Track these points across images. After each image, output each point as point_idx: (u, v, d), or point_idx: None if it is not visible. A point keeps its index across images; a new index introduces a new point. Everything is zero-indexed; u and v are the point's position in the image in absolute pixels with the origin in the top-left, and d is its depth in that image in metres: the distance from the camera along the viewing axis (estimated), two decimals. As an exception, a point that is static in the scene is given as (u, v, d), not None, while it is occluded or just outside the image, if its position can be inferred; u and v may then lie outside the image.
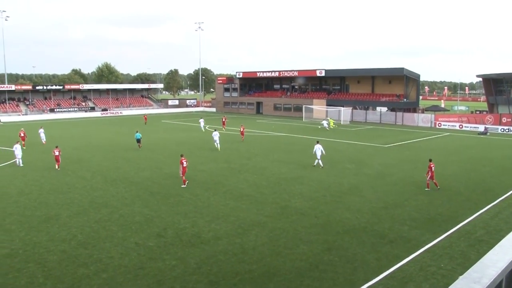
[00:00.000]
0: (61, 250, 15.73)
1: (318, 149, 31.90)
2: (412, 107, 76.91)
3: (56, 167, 30.83)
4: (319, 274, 13.85)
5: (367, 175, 29.13)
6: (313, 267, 14.31)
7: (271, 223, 18.83)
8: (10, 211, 20.58)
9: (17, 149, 32.68)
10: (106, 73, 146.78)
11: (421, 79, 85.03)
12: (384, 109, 76.00)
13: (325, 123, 60.04)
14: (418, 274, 13.83)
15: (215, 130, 41.87)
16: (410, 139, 50.16)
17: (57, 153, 31.04)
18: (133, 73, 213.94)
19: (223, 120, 59.95)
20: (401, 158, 36.31)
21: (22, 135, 42.83)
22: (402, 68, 72.76)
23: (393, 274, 13.81)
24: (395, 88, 76.75)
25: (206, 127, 57.50)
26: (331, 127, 61.25)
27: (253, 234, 17.44)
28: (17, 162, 32.51)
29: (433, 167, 24.92)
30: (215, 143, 39.99)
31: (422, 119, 68.75)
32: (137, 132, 42.57)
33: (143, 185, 25.89)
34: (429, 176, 24.98)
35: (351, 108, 76.06)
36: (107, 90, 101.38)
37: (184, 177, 25.68)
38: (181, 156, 26.47)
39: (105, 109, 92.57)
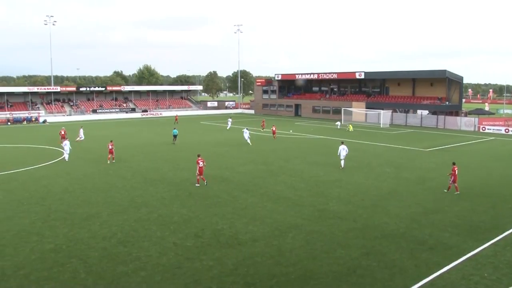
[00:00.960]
0: (102, 247, 16.15)
1: (343, 149, 32.39)
2: (455, 110, 74.93)
3: (108, 160, 33.72)
4: (357, 279, 13.68)
5: (406, 179, 28.58)
6: (351, 272, 14.15)
7: (308, 226, 18.74)
8: (55, 208, 21.30)
9: (66, 145, 35.67)
10: (146, 75, 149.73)
11: (464, 81, 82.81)
12: (425, 112, 74.41)
13: (338, 124, 63.98)
14: (459, 282, 13.44)
15: (245, 128, 48.76)
16: (452, 143, 48.88)
17: (110, 147, 34.01)
18: (173, 75, 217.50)
19: (263, 122, 63.60)
20: (442, 162, 35.41)
21: (63, 133, 45.19)
22: (445, 70, 71.01)
23: (433, 282, 13.48)
24: (437, 90, 75.05)
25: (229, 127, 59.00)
26: (350, 130, 60.63)
27: (290, 237, 17.41)
28: (65, 158, 35.28)
29: (456, 171, 24.93)
30: (247, 140, 45.55)
31: (465, 123, 66.93)
32: (174, 128, 48.94)
33: (181, 185, 26.25)
34: (451, 180, 24.98)
35: (390, 111, 74.88)
36: (147, 92, 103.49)
37: (199, 177, 26.22)
38: (198, 156, 27.00)
39: (145, 110, 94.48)
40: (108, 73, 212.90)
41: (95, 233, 17.68)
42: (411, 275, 13.92)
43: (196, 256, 15.33)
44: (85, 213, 20.52)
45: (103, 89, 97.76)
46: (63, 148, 36.32)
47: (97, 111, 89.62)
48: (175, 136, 46.74)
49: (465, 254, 15.62)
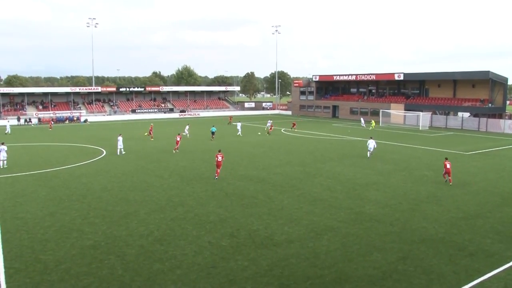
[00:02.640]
0: (139, 245, 16.47)
1: (371, 142, 37.88)
2: (498, 113, 72.55)
3: (174, 151, 37.41)
4: (392, 283, 13.45)
5: (446, 183, 27.88)
6: (387, 276, 13.93)
7: (345, 229, 18.56)
8: (94, 206, 21.87)
9: (120, 141, 38.80)
10: (185, 76, 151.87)
11: (510, 82, 80.00)
12: (467, 114, 72.43)
13: (362, 121, 63.92)
14: (500, 290, 13.04)
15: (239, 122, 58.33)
16: (494, 146, 47.37)
17: (178, 139, 37.83)
18: (211, 75, 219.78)
19: (294, 123, 65.46)
20: (484, 166, 34.40)
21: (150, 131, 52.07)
22: (488, 71, 68.94)
23: (473, 289, 13.12)
24: (479, 92, 72.87)
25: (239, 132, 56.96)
26: (372, 128, 59.63)
27: (325, 239, 17.29)
28: (118, 152, 38.51)
29: (447, 165, 27.95)
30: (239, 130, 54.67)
31: (509, 126, 64.70)
32: (213, 126, 54.04)
33: (218, 185, 26.46)
34: (444, 172, 28.22)
35: (430, 113, 73.27)
36: (185, 92, 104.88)
37: (218, 170, 28.48)
38: (218, 151, 29.59)
39: (183, 111, 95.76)
40: (147, 73, 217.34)
41: (133, 231, 18.04)
42: (449, 281, 13.58)
43: (231, 256, 15.43)
44: (123, 211, 20.98)
45: (142, 89, 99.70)
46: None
47: (136, 111, 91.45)
48: (213, 133, 51.16)
49: (508, 262, 15.10)
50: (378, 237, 17.61)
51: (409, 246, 16.63)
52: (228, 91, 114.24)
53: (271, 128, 59.19)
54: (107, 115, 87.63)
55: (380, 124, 71.49)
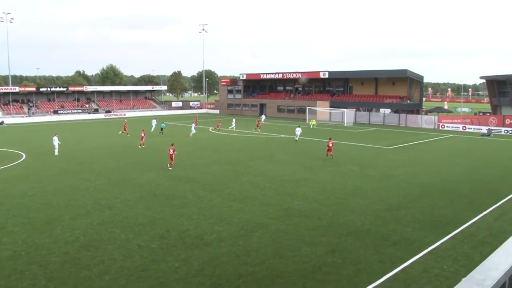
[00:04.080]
0: (64, 252, 15.74)
1: (298, 130, 48.12)
2: (416, 109, 76.83)
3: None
4: (322, 276, 13.81)
5: (371, 176, 29.06)
6: (316, 269, 14.27)
7: (275, 225, 18.80)
8: (14, 213, 20.59)
9: (55, 141, 38.32)
10: (111, 75, 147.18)
11: (425, 80, 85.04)
12: (388, 110, 75.88)
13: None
14: (421, 276, 13.76)
15: (153, 119, 59.56)
16: (413, 140, 50.04)
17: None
18: (137, 75, 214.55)
19: (258, 121, 64.43)
20: (405, 159, 36.22)
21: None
22: (406, 70, 72.69)
23: (396, 276, 13.75)
24: (399, 89, 76.71)
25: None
26: (312, 126, 61.44)
27: (256, 236, 17.42)
28: (56, 152, 37.91)
29: (330, 144, 35.89)
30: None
31: (425, 121, 68.63)
32: (162, 122, 57.85)
33: (147, 187, 25.90)
34: (327, 150, 35.92)
35: (354, 109, 76.03)
36: (111, 92, 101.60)
37: (170, 161, 31.18)
38: (171, 145, 32.40)
39: (108, 111, 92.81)
40: (70, 73, 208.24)
41: (57, 238, 17.20)
42: (375, 270, 14.15)
43: (162, 258, 15.14)
44: (46, 217, 19.95)
45: (65, 89, 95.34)
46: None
47: (58, 112, 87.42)
48: (161, 129, 55.35)
49: (426, 248, 16.02)
50: (307, 231, 17.99)
51: (337, 239, 17.14)
52: (155, 90, 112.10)
53: (218, 125, 60.91)
54: (26, 116, 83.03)
55: (307, 121, 73.14)
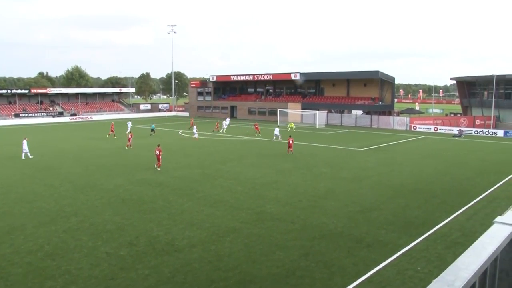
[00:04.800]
0: (27, 262, 15.33)
1: (277, 130, 51.44)
2: (388, 110, 78.11)
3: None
4: (296, 280, 13.87)
5: (343, 178, 29.38)
6: (290, 274, 14.32)
7: (247, 229, 18.79)
8: (-27, 222, 19.99)
9: (24, 144, 37.98)
10: (76, 77, 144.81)
11: (396, 82, 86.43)
12: (360, 112, 76.90)
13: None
14: (395, 278, 13.97)
15: (129, 121, 62.04)
16: (385, 142, 50.85)
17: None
18: (104, 76, 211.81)
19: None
20: (377, 161, 36.76)
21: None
22: (377, 71, 73.77)
23: (370, 279, 13.92)
24: (370, 91, 77.77)
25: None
26: (289, 129, 61.91)
27: (228, 241, 17.37)
28: (23, 156, 37.70)
29: (290, 141, 39.91)
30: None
31: (397, 122, 69.85)
32: (152, 124, 62.40)
33: (115, 192, 25.53)
34: (288, 147, 39.52)
35: (326, 111, 76.73)
36: (76, 94, 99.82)
37: (157, 162, 32.47)
38: (158, 146, 33.73)
39: (74, 114, 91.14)
40: (32, 74, 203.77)
41: (19, 248, 16.74)
42: (349, 273, 14.29)
43: (131, 266, 14.94)
44: (7, 226, 19.40)
45: (27, 91, 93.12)
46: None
47: (20, 115, 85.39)
48: (152, 130, 58.24)
49: (400, 250, 16.26)
50: (280, 235, 18.05)
51: (310, 242, 17.25)
52: (122, 92, 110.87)
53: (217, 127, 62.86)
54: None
55: (278, 124, 73.49)
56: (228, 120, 67.22)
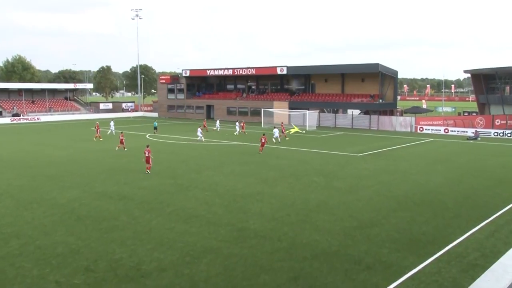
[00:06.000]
0: (-38, 292, 15.03)
1: (276, 131, 52.65)
2: (389, 109, 78.66)
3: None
4: (284, 309, 13.79)
5: (338, 189, 29.44)
6: (277, 301, 14.24)
7: (226, 249, 18.68)
8: None
9: None
10: (19, 69, 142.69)
11: (399, 76, 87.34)
12: (357, 112, 77.41)
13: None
14: (400, 304, 13.97)
15: (111, 121, 65.49)
16: (387, 146, 51.20)
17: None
18: (54, 69, 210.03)
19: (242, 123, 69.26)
20: (377, 168, 36.93)
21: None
22: (377, 64, 74.24)
23: (371, 306, 13.90)
24: (369, 87, 78.25)
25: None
26: (293, 132, 61.99)
27: (204, 263, 17.24)
28: None
29: (263, 139, 44.97)
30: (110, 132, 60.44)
31: (400, 123, 70.41)
32: (155, 121, 69.04)
33: (68, 207, 25.17)
34: (261, 145, 44.63)
35: (317, 111, 77.06)
36: (19, 91, 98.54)
37: (147, 165, 34.30)
38: (147, 146, 35.74)
39: (17, 114, 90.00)
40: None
41: (-48, 274, 16.42)
42: (346, 300, 14.26)
43: (88, 294, 14.73)
44: None
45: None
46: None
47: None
48: (155, 128, 64.99)
49: (406, 273, 16.25)
50: (265, 255, 17.97)
51: (301, 263, 17.20)
52: (78, 89, 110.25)
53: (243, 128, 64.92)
54: None
55: (262, 126, 73.55)
56: (217, 122, 71.30)
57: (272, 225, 21.82)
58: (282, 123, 64.51)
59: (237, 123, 66.70)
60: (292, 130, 63.31)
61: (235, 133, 63.37)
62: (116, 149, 46.76)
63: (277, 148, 48.46)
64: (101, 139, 55.98)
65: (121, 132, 51.37)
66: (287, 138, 57.51)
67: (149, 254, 18.23)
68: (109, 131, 62.09)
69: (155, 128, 65.27)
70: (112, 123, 64.51)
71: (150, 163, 34.46)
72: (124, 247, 19.05)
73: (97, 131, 57.99)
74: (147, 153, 34.50)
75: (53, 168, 37.00)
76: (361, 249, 18.65)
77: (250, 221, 22.53)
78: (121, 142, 47.29)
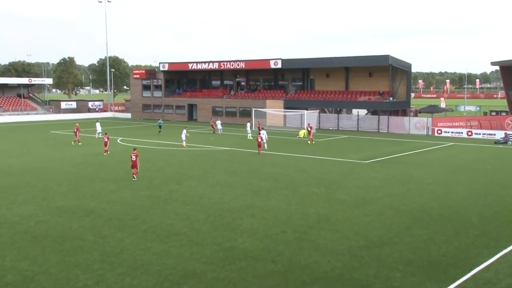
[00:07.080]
0: None
1: (264, 133, 52.33)
2: (401, 109, 78.76)
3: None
4: None
5: (341, 202, 29.45)
6: (271, 334, 14.21)
7: (211, 273, 18.62)
8: None
9: None
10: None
11: (414, 70, 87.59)
12: (363, 111, 77.51)
13: (248, 127, 63.56)
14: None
15: (97, 122, 68.19)
16: (399, 152, 51.34)
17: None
18: (4, 61, 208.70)
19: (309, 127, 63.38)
20: (388, 178, 36.97)
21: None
22: (387, 56, 74.20)
23: None
24: (378, 83, 78.26)
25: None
26: (302, 136, 62.17)
27: (185, 290, 17.19)
28: None
29: (259, 139, 49.07)
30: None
31: (415, 125, 70.60)
32: (159, 119, 76.89)
33: (21, 226, 24.95)
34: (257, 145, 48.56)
35: (317, 111, 77.07)
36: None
37: (133, 170, 35.53)
38: (134, 149, 36.86)
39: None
40: None
41: None
42: (352, 332, 14.24)
43: (47, 328, 14.63)
44: None
45: None
46: None
47: None
48: (160, 126, 70.85)
49: (422, 300, 16.27)
50: (256, 280, 17.92)
51: (299, 289, 17.17)
52: (34, 85, 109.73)
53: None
54: None
55: (253, 128, 73.58)
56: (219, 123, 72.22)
57: (265, 244, 21.79)
58: (259, 122, 69.62)
59: (247, 125, 66.56)
60: (304, 133, 63.25)
61: (248, 137, 63.31)
62: (105, 154, 48.41)
63: (271, 154, 48.45)
64: (79, 144, 56.88)
65: (105, 134, 52.84)
66: (313, 142, 58.60)
67: (120, 280, 18.11)
68: (97, 134, 64.36)
69: (160, 126, 71.25)
70: (98, 124, 66.51)
71: (138, 168, 35.58)
72: (90, 272, 18.91)
73: (76, 135, 58.33)
74: (133, 157, 35.47)
75: (3, 179, 36.73)
76: (370, 273, 18.62)
77: (239, 239, 22.49)
78: (105, 145, 49.06)
